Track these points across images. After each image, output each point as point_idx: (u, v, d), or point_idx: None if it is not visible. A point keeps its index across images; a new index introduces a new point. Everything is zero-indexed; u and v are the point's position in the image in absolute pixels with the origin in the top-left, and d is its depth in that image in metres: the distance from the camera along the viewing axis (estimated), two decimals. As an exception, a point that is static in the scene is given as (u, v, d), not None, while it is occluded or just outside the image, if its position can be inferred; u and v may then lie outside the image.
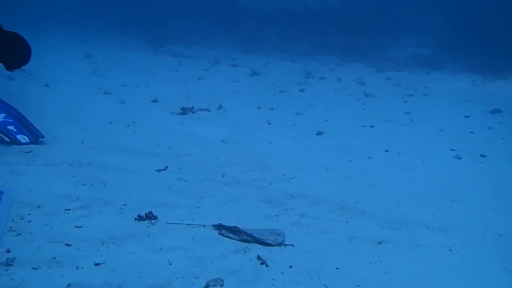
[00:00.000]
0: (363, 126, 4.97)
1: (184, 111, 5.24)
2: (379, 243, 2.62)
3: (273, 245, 2.55)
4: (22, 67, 1.33)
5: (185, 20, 10.33)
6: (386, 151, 4.21)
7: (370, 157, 4.04)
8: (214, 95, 6.07)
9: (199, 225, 2.70)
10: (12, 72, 1.30)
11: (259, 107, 5.66)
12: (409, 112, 5.52)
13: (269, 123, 5.11)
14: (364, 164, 3.92)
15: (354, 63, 8.18)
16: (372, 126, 4.93)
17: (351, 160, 4.00)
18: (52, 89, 5.37)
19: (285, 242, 2.58)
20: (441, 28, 9.19)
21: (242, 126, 4.91)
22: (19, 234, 2.22)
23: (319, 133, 4.74)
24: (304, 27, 10.11)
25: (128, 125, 4.57)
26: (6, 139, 3.47)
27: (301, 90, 6.61)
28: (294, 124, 5.09)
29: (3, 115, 3.71)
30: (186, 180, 3.35)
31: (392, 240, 2.65)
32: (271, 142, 4.45)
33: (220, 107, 5.50)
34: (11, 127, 3.59)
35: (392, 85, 6.78)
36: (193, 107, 5.33)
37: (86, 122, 4.43)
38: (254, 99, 6.01)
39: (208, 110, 5.35)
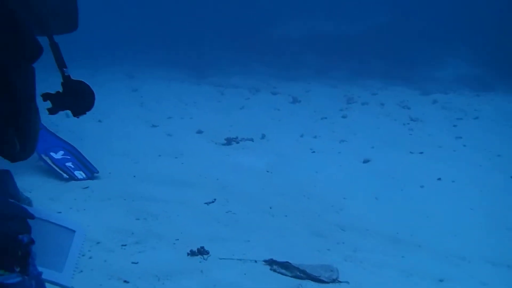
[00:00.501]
0: (411, 152, 4.82)
1: (229, 141, 5.32)
2: (441, 280, 2.49)
3: (327, 282, 2.49)
4: (87, 112, 1.40)
5: (225, 50, 10.61)
6: (439, 179, 4.05)
7: (422, 186, 3.90)
8: (257, 124, 6.13)
9: (251, 260, 2.69)
10: (78, 117, 1.38)
11: (302, 135, 5.66)
12: (460, 137, 5.30)
13: (313, 152, 5.08)
14: (416, 193, 3.78)
15: (396, 86, 8.01)
16: (421, 153, 4.77)
17: (401, 190, 3.87)
18: (105, 124, 5.63)
19: (339, 279, 2.52)
20: (489, 46, 8.87)
21: (286, 155, 4.91)
22: (81, 271, 2.30)
23: (365, 161, 4.64)
24: (343, 52, 10.09)
25: (176, 157, 4.69)
26: (65, 175, 3.66)
27: (343, 117, 6.55)
28: (339, 152, 5.02)
29: (62, 152, 3.93)
30: (235, 213, 3.37)
31: (454, 277, 2.51)
32: (316, 172, 4.40)
33: (263, 136, 5.54)
34: (69, 164, 3.79)
35: (439, 108, 6.57)
36: (237, 137, 5.40)
37: (137, 155, 4.59)
38: (297, 127, 6.00)
39: (251, 139, 5.40)
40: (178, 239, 2.85)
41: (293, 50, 10.43)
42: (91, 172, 3.82)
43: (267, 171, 4.41)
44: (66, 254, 1.57)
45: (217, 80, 9.29)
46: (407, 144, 5.13)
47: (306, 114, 6.75)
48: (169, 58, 10.42)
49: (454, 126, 5.79)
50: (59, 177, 3.65)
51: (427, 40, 9.52)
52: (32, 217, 1.21)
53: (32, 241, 1.12)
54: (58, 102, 1.28)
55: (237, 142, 5.31)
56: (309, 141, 5.43)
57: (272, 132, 5.71)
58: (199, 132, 5.69)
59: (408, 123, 5.95)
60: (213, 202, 3.56)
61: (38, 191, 3.22)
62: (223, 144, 5.26)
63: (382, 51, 9.54)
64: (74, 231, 1.61)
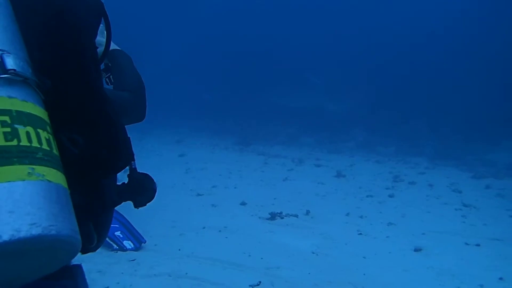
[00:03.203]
0: (466, 244, 4.54)
1: (273, 216, 5.26)
2: None
3: None
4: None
5: (270, 122, 10.89)
6: (501, 279, 3.74)
7: (481, 286, 3.61)
8: (301, 198, 6.07)
9: None
10: (138, 209, 1.39)
11: (347, 214, 5.51)
12: (519, 229, 4.97)
13: (360, 233, 4.90)
14: (476, 293, 3.50)
15: (446, 167, 7.77)
16: (478, 245, 4.48)
17: (459, 287, 3.60)
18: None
19: None
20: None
21: (331, 235, 4.77)
22: None
23: (417, 250, 4.40)
24: (391, 127, 10.07)
25: (220, 231, 4.67)
26: (115, 246, 3.70)
27: (390, 196, 6.37)
28: (387, 236, 4.81)
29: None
30: (281, 301, 3.23)
31: None
32: (364, 257, 4.21)
33: (307, 212, 5.44)
34: (118, 233, 3.85)
35: (493, 195, 6.24)
36: (281, 212, 5.34)
37: (181, 227, 4.61)
38: (342, 205, 5.89)
39: (296, 216, 5.31)
40: (223, 328, 2.74)
41: (341, 123, 10.53)
42: (139, 242, 3.85)
43: (313, 253, 4.27)
44: None
45: (260, 149, 9.43)
46: (461, 232, 4.85)
47: (351, 191, 6.63)
48: (215, 125, 10.78)
49: (511, 217, 5.45)
50: (109, 247, 3.70)
51: (481, 119, 9.31)
52: None
53: None
54: (123, 193, 1.30)
55: (282, 218, 5.24)
56: (356, 221, 5.27)
57: (317, 208, 5.61)
58: (243, 203, 5.68)
59: (461, 209, 5.67)
60: (258, 285, 3.45)
61: (88, 263, 3.24)
62: (267, 219, 5.19)
63: (431, 127, 9.40)
64: None
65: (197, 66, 14.83)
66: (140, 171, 1.37)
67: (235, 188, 6.48)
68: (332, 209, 5.68)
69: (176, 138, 9.48)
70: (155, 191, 1.36)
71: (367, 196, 6.35)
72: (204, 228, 4.71)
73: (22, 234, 0.63)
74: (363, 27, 14.74)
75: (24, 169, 0.68)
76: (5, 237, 0.62)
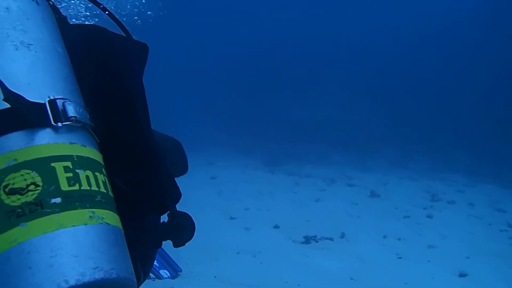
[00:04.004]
0: (516, 268, 4.30)
1: (307, 240, 5.16)
2: None
3: None
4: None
5: (300, 140, 10.81)
6: (557, 307, 3.51)
7: (536, 315, 3.39)
8: (335, 220, 5.94)
9: None
10: (177, 248, 1.38)
11: (384, 237, 5.34)
12: None
13: (399, 257, 4.73)
14: (530, 324, 3.28)
15: (485, 184, 7.45)
16: (528, 270, 4.24)
17: (511, 317, 3.39)
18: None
19: None
20: None
21: (369, 260, 4.62)
22: None
23: (461, 275, 4.21)
24: (419, 142, 9.81)
25: (254, 256, 4.60)
26: (152, 275, 3.71)
27: (428, 216, 6.14)
28: (428, 261, 4.62)
29: (148, 248, 4.02)
30: (321, 332, 3.13)
31: None
32: (406, 283, 4.06)
33: (342, 235, 5.32)
34: (154, 262, 3.85)
35: (540, 214, 5.95)
36: (316, 236, 5.24)
37: (216, 252, 4.57)
38: (378, 226, 5.71)
39: (331, 239, 5.20)
40: None
41: (371, 140, 10.34)
42: (175, 271, 3.84)
43: (351, 279, 4.14)
44: None
45: (291, 169, 9.32)
46: (507, 256, 4.61)
47: (386, 211, 6.43)
48: (245, 146, 10.77)
49: None
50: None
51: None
52: None
53: None
54: (163, 233, 1.30)
55: (316, 241, 5.13)
56: (394, 244, 5.10)
57: (352, 230, 5.47)
58: (276, 227, 5.60)
59: (506, 230, 5.40)
60: (296, 314, 3.36)
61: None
62: (302, 243, 5.10)
63: (471, 141, 9.06)
64: None
65: (220, 84, 15.01)
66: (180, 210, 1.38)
67: (267, 210, 6.41)
68: (367, 231, 5.52)
69: (206, 160, 9.53)
70: (194, 230, 1.35)
71: (404, 217, 6.15)
72: (238, 253, 4.67)
73: (87, 278, 0.66)
74: (386, 39, 14.60)
75: (85, 213, 0.71)
76: (72, 282, 0.65)
